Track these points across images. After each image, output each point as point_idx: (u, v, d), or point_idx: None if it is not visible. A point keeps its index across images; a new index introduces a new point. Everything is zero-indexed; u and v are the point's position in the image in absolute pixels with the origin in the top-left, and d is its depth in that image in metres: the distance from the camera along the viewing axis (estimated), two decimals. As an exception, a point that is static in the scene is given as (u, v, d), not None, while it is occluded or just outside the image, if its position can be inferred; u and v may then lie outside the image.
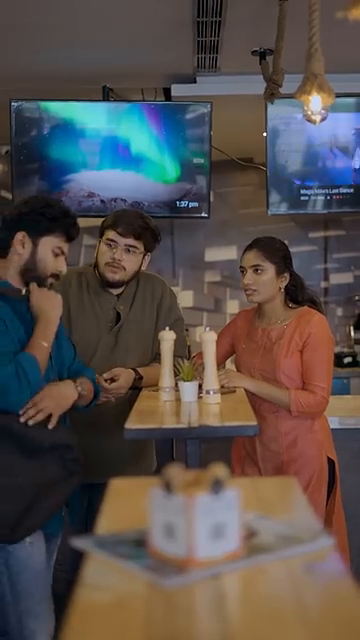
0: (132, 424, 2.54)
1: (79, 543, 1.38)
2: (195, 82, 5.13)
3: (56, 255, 2.66)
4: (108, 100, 5.25)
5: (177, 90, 5.17)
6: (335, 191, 5.13)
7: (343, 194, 5.14)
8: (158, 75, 5.15)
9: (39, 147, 5.04)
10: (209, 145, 5.07)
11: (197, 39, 4.40)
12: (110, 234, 3.18)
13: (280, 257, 3.24)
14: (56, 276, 2.68)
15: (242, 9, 4.00)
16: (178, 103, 5.15)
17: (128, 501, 1.65)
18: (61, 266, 2.68)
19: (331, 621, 1.13)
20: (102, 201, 5.01)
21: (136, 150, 5.07)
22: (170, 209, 5.07)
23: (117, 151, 5.07)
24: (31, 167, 5.04)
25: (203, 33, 4.30)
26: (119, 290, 3.28)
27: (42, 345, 2.56)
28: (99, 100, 5.20)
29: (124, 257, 3.17)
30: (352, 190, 5.14)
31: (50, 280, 2.67)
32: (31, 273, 2.63)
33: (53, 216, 2.64)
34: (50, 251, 2.64)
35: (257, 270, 3.22)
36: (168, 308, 3.36)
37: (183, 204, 5.09)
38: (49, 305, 2.63)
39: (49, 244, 2.64)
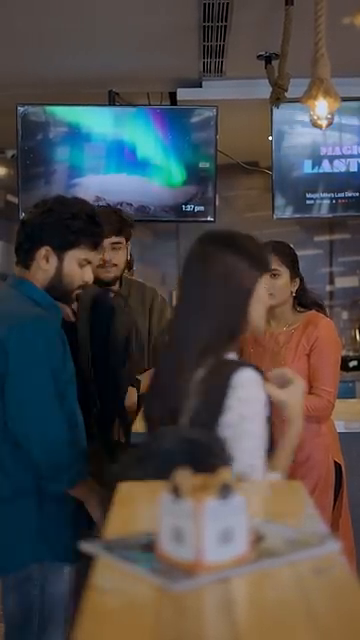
0: (139, 428, 2.55)
1: (88, 547, 1.39)
2: (201, 86, 5.14)
3: (82, 266, 2.50)
4: (114, 104, 5.27)
5: (183, 94, 5.19)
6: (340, 195, 5.14)
7: (348, 198, 5.14)
8: (164, 79, 5.16)
9: (45, 151, 5.06)
10: (215, 149, 5.08)
11: (203, 44, 4.41)
12: None
13: (292, 262, 3.28)
14: (82, 287, 2.54)
15: (248, 14, 4.01)
16: (184, 107, 5.16)
17: (136, 505, 1.66)
18: (87, 276, 2.51)
19: (339, 625, 1.13)
20: (108, 205, 5.01)
21: (142, 154, 5.08)
22: (176, 213, 5.08)
23: (123, 155, 5.09)
24: (37, 171, 5.05)
25: (209, 38, 4.31)
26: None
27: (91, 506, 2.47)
28: (105, 104, 5.22)
29: (112, 255, 3.24)
30: (357, 194, 5.14)
31: (77, 292, 2.52)
32: (57, 288, 2.48)
33: (78, 228, 2.46)
34: (76, 264, 2.47)
35: (274, 275, 3.23)
36: (160, 309, 3.42)
37: (189, 208, 5.10)
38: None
39: (75, 257, 2.47)
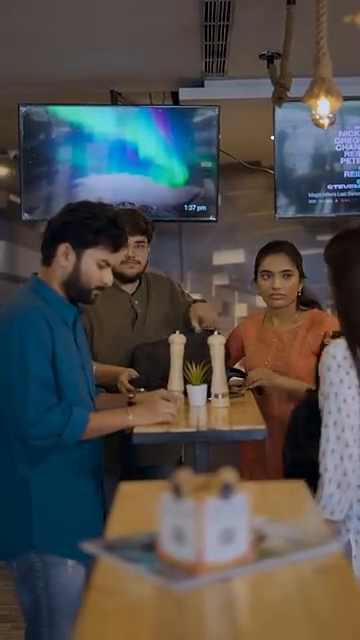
0: (140, 428, 2.55)
1: (89, 547, 1.38)
2: (203, 86, 5.13)
3: (101, 267, 2.56)
4: (116, 104, 5.26)
5: (185, 94, 5.18)
6: (343, 194, 5.13)
7: (351, 197, 5.13)
8: (166, 79, 5.15)
9: (47, 151, 5.05)
10: (217, 149, 5.08)
11: (205, 43, 4.40)
12: None
13: (300, 261, 3.30)
14: (101, 288, 2.60)
15: (250, 13, 4.01)
16: (186, 107, 5.15)
17: (137, 505, 1.66)
18: (106, 278, 2.58)
19: (341, 626, 1.13)
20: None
21: (144, 154, 5.08)
22: (178, 213, 5.07)
23: (125, 155, 5.08)
24: (39, 171, 5.05)
25: (211, 37, 4.30)
26: (133, 288, 3.51)
27: (119, 421, 2.58)
28: (107, 104, 5.21)
29: (136, 253, 3.43)
30: (360, 193, 5.14)
31: (94, 292, 2.59)
32: (74, 286, 2.55)
33: (98, 228, 2.53)
34: (94, 264, 2.55)
35: (287, 275, 3.24)
36: (178, 297, 3.62)
37: (191, 208, 5.09)
38: (154, 412, 2.61)
39: (93, 257, 2.55)
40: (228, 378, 3.01)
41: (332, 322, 3.25)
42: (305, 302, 3.36)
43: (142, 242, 3.45)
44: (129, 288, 3.51)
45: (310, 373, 3.18)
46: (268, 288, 3.28)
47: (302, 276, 3.32)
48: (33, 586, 2.48)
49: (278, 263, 3.26)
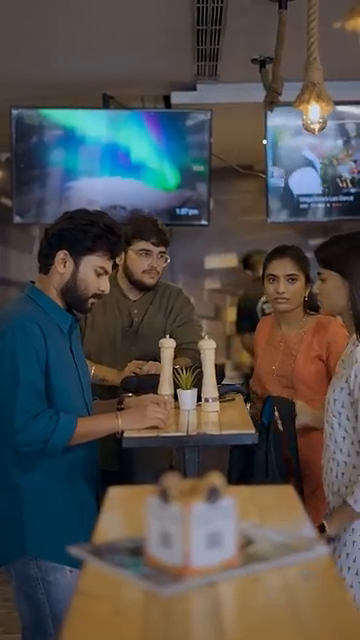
0: (130, 432, 2.55)
1: (76, 552, 1.38)
2: (195, 90, 5.14)
3: (98, 275, 2.56)
4: (108, 108, 5.27)
5: (177, 98, 5.19)
6: (335, 199, 5.14)
7: (343, 202, 5.15)
8: (158, 83, 5.17)
9: (39, 154, 5.06)
10: (209, 152, 5.09)
11: (197, 47, 4.41)
12: (143, 244, 3.43)
13: (307, 266, 3.29)
14: (98, 296, 2.59)
15: (242, 17, 4.02)
16: (178, 111, 5.17)
17: (125, 509, 1.66)
18: (103, 286, 2.57)
19: (326, 630, 1.13)
20: (102, 209, 5.01)
21: (136, 157, 5.09)
22: (170, 216, 5.08)
23: (117, 158, 5.09)
24: (31, 174, 5.05)
25: (203, 41, 4.31)
26: (137, 296, 3.51)
27: (107, 425, 2.56)
28: (99, 108, 5.22)
29: (158, 263, 3.47)
30: (352, 198, 5.15)
31: (91, 300, 2.58)
32: (72, 293, 2.55)
33: (96, 235, 2.53)
34: (92, 271, 2.54)
35: (292, 279, 3.23)
36: (180, 307, 3.57)
37: (183, 211, 5.10)
38: (143, 416, 2.59)
39: (91, 264, 2.54)
40: (223, 393, 3.01)
41: (337, 326, 3.25)
42: (312, 307, 3.34)
43: (164, 253, 3.48)
44: (133, 295, 3.51)
45: (316, 379, 3.17)
46: (273, 292, 3.28)
47: (309, 281, 3.30)
48: (33, 593, 2.46)
49: (283, 267, 3.26)
